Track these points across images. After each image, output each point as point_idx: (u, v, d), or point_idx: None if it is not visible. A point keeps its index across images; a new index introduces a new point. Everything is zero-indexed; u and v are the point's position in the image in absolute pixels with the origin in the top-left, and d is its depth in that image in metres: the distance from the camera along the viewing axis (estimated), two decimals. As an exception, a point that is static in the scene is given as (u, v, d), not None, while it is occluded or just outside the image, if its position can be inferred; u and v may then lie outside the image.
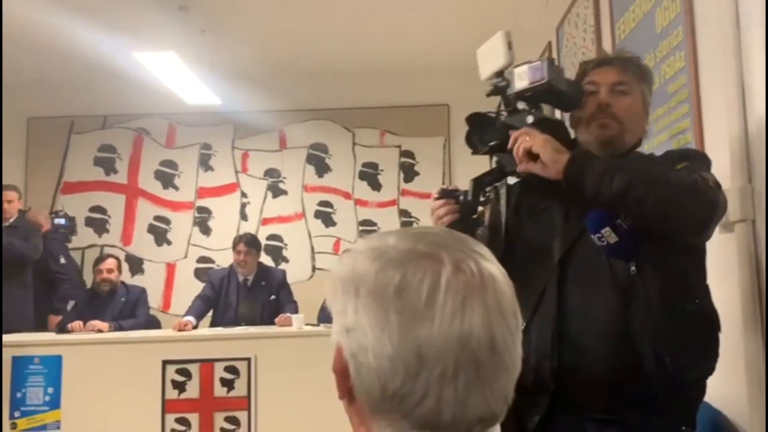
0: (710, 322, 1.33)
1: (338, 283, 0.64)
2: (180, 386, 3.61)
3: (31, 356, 3.63)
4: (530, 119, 1.37)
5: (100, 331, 3.94)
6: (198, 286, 4.69)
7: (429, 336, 0.58)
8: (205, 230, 5.61)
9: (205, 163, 5.67)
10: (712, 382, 1.36)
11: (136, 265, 5.52)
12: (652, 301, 1.28)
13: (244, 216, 5.61)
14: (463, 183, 1.48)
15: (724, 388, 1.45)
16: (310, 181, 5.62)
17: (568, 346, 1.32)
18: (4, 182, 4.59)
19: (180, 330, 3.92)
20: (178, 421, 3.59)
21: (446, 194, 1.44)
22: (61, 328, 4.07)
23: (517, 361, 0.63)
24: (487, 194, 1.46)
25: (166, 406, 3.59)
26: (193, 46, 4.27)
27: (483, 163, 1.54)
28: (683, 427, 1.30)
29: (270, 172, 5.64)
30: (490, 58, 1.45)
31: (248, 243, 4.42)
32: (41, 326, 4.46)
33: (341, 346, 0.63)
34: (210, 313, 4.39)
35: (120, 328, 4.05)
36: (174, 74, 4.48)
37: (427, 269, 0.60)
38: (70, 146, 5.64)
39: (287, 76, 5.44)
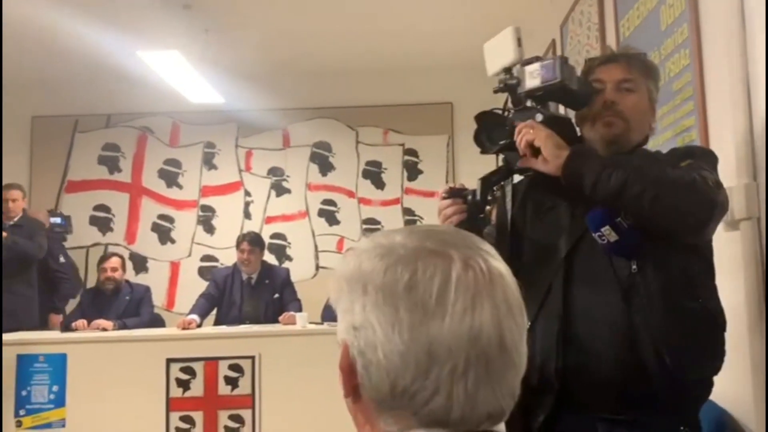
0: (714, 321, 1.32)
1: (344, 282, 0.64)
2: (184, 384, 3.62)
3: (36, 354, 3.64)
4: (539, 117, 1.36)
5: (104, 329, 3.95)
6: (202, 285, 4.70)
7: (440, 333, 0.59)
8: (209, 229, 5.61)
9: (208, 162, 5.67)
10: (716, 381, 1.35)
11: (140, 263, 5.54)
12: (652, 299, 1.27)
13: (247, 214, 5.61)
14: (466, 181, 1.48)
15: (729, 386, 1.44)
16: (314, 179, 5.63)
17: (573, 345, 1.32)
18: (9, 181, 4.61)
19: (184, 328, 3.92)
20: (183, 419, 3.60)
21: (454, 194, 1.42)
22: (66, 327, 4.08)
23: (524, 357, 0.63)
24: (495, 193, 1.45)
25: (171, 405, 3.60)
26: (196, 45, 4.27)
27: (486, 162, 1.53)
28: (681, 427, 1.29)
29: (273, 171, 5.65)
30: (498, 53, 1.43)
31: (252, 241, 4.42)
32: (42, 325, 4.47)
33: (348, 344, 0.63)
34: (214, 312, 4.40)
35: (124, 327, 4.05)
36: (178, 73, 4.49)
37: (437, 266, 0.60)
38: (74, 145, 5.66)
39: (291, 74, 5.44)
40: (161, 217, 5.62)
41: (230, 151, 5.67)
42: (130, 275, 5.01)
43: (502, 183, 1.46)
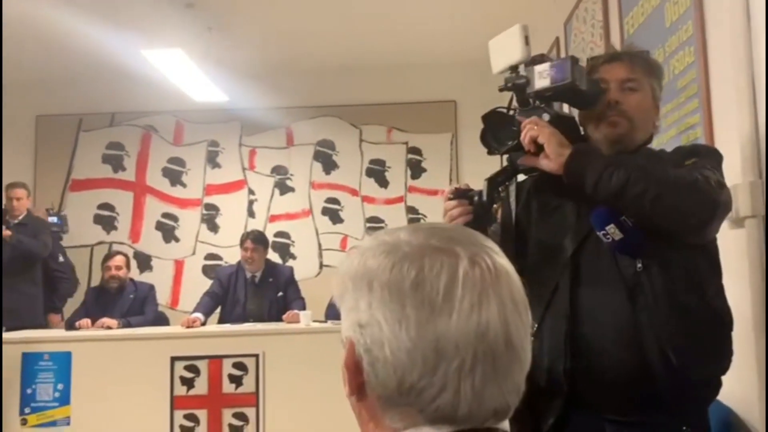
0: (720, 320, 1.31)
1: (348, 279, 0.64)
2: (188, 383, 3.62)
3: (41, 353, 3.65)
4: (546, 117, 1.35)
5: (109, 327, 3.96)
6: (206, 283, 4.71)
7: (447, 329, 0.59)
8: (213, 227, 5.62)
9: (212, 161, 5.68)
10: (722, 380, 1.35)
11: (144, 262, 5.55)
12: (657, 298, 1.27)
13: (251, 213, 5.62)
14: (470, 179, 1.47)
15: (734, 385, 1.43)
16: (317, 178, 5.63)
17: (581, 346, 1.31)
18: (13, 180, 4.62)
19: (188, 327, 3.93)
20: (187, 417, 3.60)
21: (460, 194, 1.40)
22: (70, 326, 4.09)
23: (529, 354, 0.64)
24: (501, 194, 1.43)
25: (175, 403, 3.61)
26: (200, 43, 4.28)
27: (490, 160, 1.53)
28: (684, 427, 1.28)
29: (277, 169, 5.65)
30: (504, 51, 1.42)
31: (255, 240, 4.42)
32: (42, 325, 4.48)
33: (354, 342, 0.63)
34: (218, 310, 4.40)
35: (128, 325, 4.06)
36: (181, 71, 4.49)
37: (444, 263, 0.61)
38: (79, 144, 5.67)
39: (294, 72, 5.44)
40: (165, 215, 5.63)
41: (234, 150, 5.68)
42: (135, 274, 5.02)
43: (507, 183, 1.45)
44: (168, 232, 5.62)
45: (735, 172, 1.66)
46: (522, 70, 1.40)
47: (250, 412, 3.61)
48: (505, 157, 1.44)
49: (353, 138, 5.63)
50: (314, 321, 3.91)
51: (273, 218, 5.60)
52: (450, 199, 1.41)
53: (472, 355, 0.59)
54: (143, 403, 3.59)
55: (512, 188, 1.46)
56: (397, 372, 0.60)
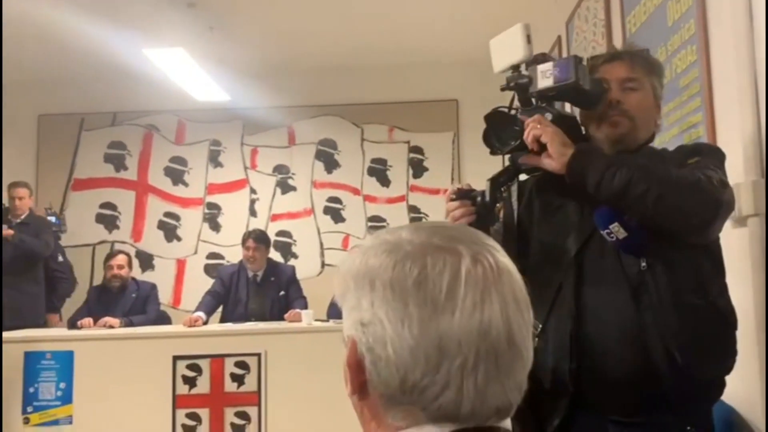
0: (724, 320, 1.31)
1: (350, 278, 0.65)
2: (190, 381, 3.63)
3: (43, 352, 3.66)
4: (549, 116, 1.35)
5: (111, 327, 3.96)
6: (208, 282, 4.71)
7: (450, 327, 0.59)
8: (215, 226, 5.63)
9: (214, 160, 5.68)
10: (726, 379, 1.34)
11: (146, 261, 5.55)
12: (661, 297, 1.26)
13: (253, 212, 5.62)
14: (472, 178, 1.47)
15: (737, 384, 1.43)
16: (319, 177, 5.63)
17: (585, 346, 1.31)
18: (15, 179, 4.63)
19: (190, 326, 3.94)
20: (189, 416, 3.61)
21: (462, 195, 1.40)
22: (72, 325, 4.09)
23: (531, 352, 0.64)
24: (503, 193, 1.43)
25: (177, 402, 3.61)
26: (201, 42, 4.28)
27: (492, 159, 1.52)
28: (688, 427, 1.27)
29: (279, 168, 5.65)
30: (505, 50, 1.41)
31: (257, 239, 4.43)
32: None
33: (356, 340, 0.63)
34: (220, 309, 4.41)
35: (130, 324, 4.07)
36: (183, 71, 4.50)
37: (447, 261, 0.61)
38: (81, 143, 5.68)
39: (296, 71, 5.44)
40: (167, 214, 5.63)
41: (236, 149, 5.68)
42: (137, 273, 5.02)
43: (509, 182, 1.44)
44: (170, 232, 5.62)
45: (737, 171, 1.65)
46: (524, 69, 1.39)
47: (252, 411, 3.62)
48: (507, 156, 1.43)
49: (355, 137, 5.63)
50: (316, 320, 3.91)
51: (275, 217, 5.60)
52: (452, 199, 1.40)
53: (475, 353, 0.59)
54: (145, 402, 3.60)
55: (514, 188, 1.45)
56: (400, 370, 0.60)
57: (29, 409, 3.60)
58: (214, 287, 4.42)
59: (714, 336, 1.29)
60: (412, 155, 5.60)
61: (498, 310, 0.60)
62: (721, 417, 1.56)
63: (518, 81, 1.39)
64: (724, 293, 1.33)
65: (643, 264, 1.29)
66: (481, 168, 1.47)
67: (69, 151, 5.65)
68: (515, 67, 1.40)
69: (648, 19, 2.47)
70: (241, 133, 5.68)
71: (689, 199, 1.22)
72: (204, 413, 3.61)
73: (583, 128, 1.45)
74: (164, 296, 5.05)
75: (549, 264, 1.39)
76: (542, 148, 1.31)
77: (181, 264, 5.59)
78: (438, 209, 5.37)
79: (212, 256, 5.56)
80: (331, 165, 5.64)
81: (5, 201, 4.51)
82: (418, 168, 5.59)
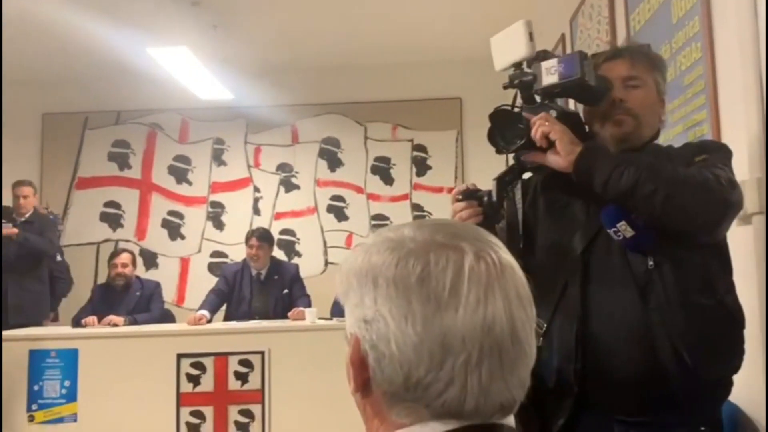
0: (732, 318, 1.29)
1: (352, 276, 0.65)
2: (194, 379, 3.64)
3: (48, 350, 3.67)
4: (553, 114, 1.33)
5: (115, 325, 3.97)
6: (212, 281, 4.72)
7: (453, 324, 0.59)
8: (219, 225, 5.64)
9: (217, 158, 5.69)
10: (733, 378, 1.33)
11: (150, 259, 5.56)
12: (669, 296, 1.25)
13: (256, 210, 5.63)
14: (475, 176, 1.47)
15: (742, 383, 1.42)
16: (323, 175, 5.63)
17: (591, 345, 1.30)
18: (20, 178, 4.64)
19: (194, 324, 3.94)
20: (193, 414, 3.62)
21: (469, 195, 1.38)
22: (76, 323, 4.11)
23: (534, 349, 0.64)
24: (509, 192, 1.41)
25: (181, 399, 3.62)
26: (205, 41, 4.28)
27: (495, 157, 1.52)
28: (702, 428, 1.27)
29: (282, 167, 5.66)
30: (507, 48, 1.40)
31: (261, 237, 4.43)
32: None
33: (359, 338, 0.63)
34: (224, 307, 4.42)
35: (135, 322, 4.08)
36: (187, 69, 4.51)
37: (450, 258, 0.61)
38: (85, 142, 5.69)
39: (299, 70, 5.44)
40: (171, 213, 5.64)
41: (239, 148, 5.69)
42: (141, 271, 5.04)
43: (515, 181, 1.43)
44: (174, 230, 5.63)
45: (742, 169, 1.65)
46: (526, 66, 1.38)
47: (255, 408, 3.62)
48: (512, 155, 1.42)
49: (358, 135, 5.63)
50: (319, 318, 3.92)
51: (278, 216, 5.61)
52: (459, 200, 1.39)
53: (479, 349, 0.59)
54: (150, 400, 3.61)
55: (518, 186, 1.44)
56: (404, 367, 0.60)
57: (34, 406, 3.62)
58: (218, 285, 4.43)
59: (722, 335, 1.28)
60: (415, 153, 5.60)
61: (501, 306, 0.60)
62: (725, 415, 1.56)
63: (522, 78, 1.38)
64: (732, 292, 1.31)
65: (650, 263, 1.27)
66: (485, 166, 1.47)
67: (73, 149, 5.66)
68: (517, 65, 1.39)
69: (652, 16, 2.46)
70: (244, 132, 5.69)
71: (697, 198, 1.21)
72: (208, 411, 3.62)
73: (586, 126, 1.45)
74: (168, 294, 5.06)
75: (554, 263, 1.38)
76: (550, 145, 1.30)
77: (184, 262, 5.60)
78: (442, 207, 5.37)
79: (216, 254, 5.57)
80: (334, 163, 5.64)
81: (9, 200, 4.52)
82: (421, 166, 5.59)
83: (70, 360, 3.65)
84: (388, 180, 5.61)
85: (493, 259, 0.62)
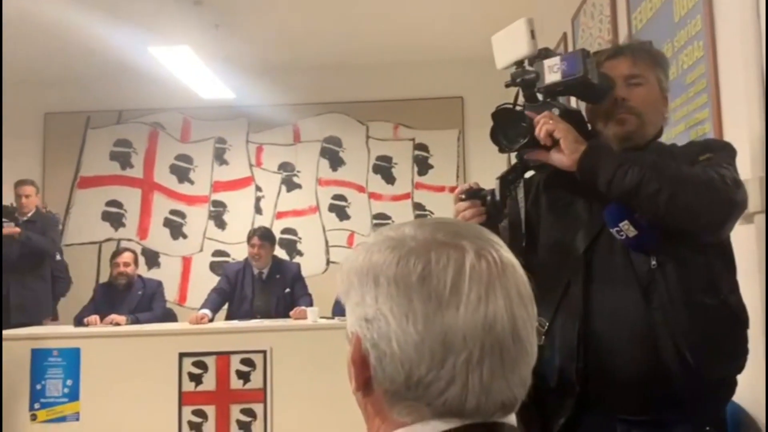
0: (736, 318, 1.29)
1: (353, 275, 0.65)
2: (196, 379, 3.64)
3: (50, 349, 3.68)
4: (556, 112, 1.33)
5: (117, 324, 3.98)
6: (213, 280, 4.73)
7: (454, 322, 0.59)
8: (220, 224, 5.64)
9: (219, 157, 5.69)
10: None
11: (152, 258, 5.57)
12: (672, 296, 1.24)
13: (258, 210, 5.63)
14: (477, 175, 1.46)
15: (744, 382, 1.42)
16: (324, 174, 5.63)
17: (593, 345, 1.29)
18: (22, 177, 4.65)
19: (196, 323, 3.95)
20: (195, 413, 3.62)
21: (472, 195, 1.37)
22: (78, 322, 4.11)
23: (535, 347, 0.64)
24: (511, 192, 1.40)
25: (183, 399, 3.62)
26: (207, 40, 4.28)
27: (497, 156, 1.52)
28: (707, 428, 1.26)
29: (284, 166, 5.66)
30: (508, 46, 1.39)
31: (262, 236, 4.44)
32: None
33: (360, 337, 0.63)
34: (225, 306, 4.42)
35: (137, 321, 4.08)
36: (188, 69, 4.51)
37: (451, 257, 0.61)
38: (87, 141, 5.70)
39: (301, 69, 5.44)
40: (173, 212, 5.65)
41: (241, 147, 5.69)
42: (143, 270, 5.04)
43: (518, 180, 1.42)
44: (176, 229, 5.64)
45: (744, 168, 1.64)
46: (528, 64, 1.37)
47: (257, 407, 3.63)
48: (514, 154, 1.41)
49: (360, 134, 5.63)
50: (321, 317, 3.92)
51: (280, 215, 5.61)
52: (462, 199, 1.38)
53: (480, 347, 0.59)
54: (152, 399, 3.61)
55: (520, 184, 1.43)
56: (405, 366, 0.60)
57: (36, 405, 3.62)
58: (220, 284, 4.43)
59: (725, 335, 1.27)
60: (417, 152, 5.60)
61: (502, 304, 0.60)
62: (728, 415, 1.55)
63: (524, 77, 1.37)
64: (736, 291, 1.31)
65: (653, 262, 1.27)
66: (487, 165, 1.47)
67: (75, 149, 5.67)
68: (519, 63, 1.38)
69: (654, 14, 2.46)
70: (246, 131, 5.69)
71: (702, 198, 1.20)
72: (210, 410, 3.63)
73: (588, 124, 1.44)
74: (170, 293, 5.06)
75: (557, 261, 1.37)
76: (554, 143, 1.29)
77: (186, 261, 5.60)
78: (443, 206, 5.37)
79: (218, 253, 5.57)
80: (336, 162, 5.64)
81: (11, 199, 4.53)
82: (423, 165, 5.59)
83: (72, 359, 3.66)
84: (389, 179, 5.61)
85: (494, 257, 0.62)
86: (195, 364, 3.64)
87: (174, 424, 3.59)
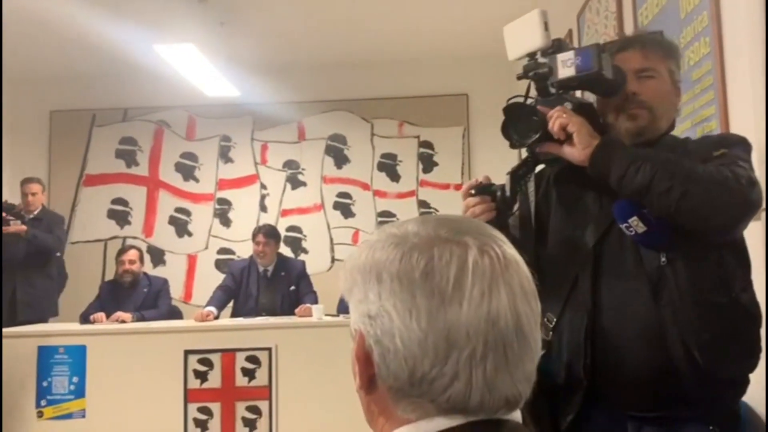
0: (749, 316, 1.26)
1: (356, 272, 0.65)
2: (202, 376, 3.65)
3: (56, 346, 3.69)
4: (569, 106, 1.31)
5: (123, 321, 3.99)
6: (219, 277, 4.74)
7: (458, 318, 0.59)
8: (226, 222, 5.65)
9: (224, 155, 5.70)
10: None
11: (157, 256, 5.58)
12: (682, 293, 1.22)
13: (263, 207, 5.63)
14: (482, 173, 1.44)
15: (752, 380, 1.41)
16: (329, 172, 5.63)
17: (602, 341, 1.27)
18: (28, 175, 4.67)
19: (202, 320, 3.96)
20: (200, 410, 3.63)
21: (482, 190, 1.34)
22: (84, 320, 4.13)
23: (539, 343, 0.64)
24: (522, 187, 1.39)
25: (189, 396, 3.63)
26: (212, 38, 4.28)
27: (502, 153, 1.51)
28: (710, 427, 1.24)
29: (289, 164, 5.66)
30: (521, 37, 1.36)
31: (267, 234, 4.44)
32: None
33: (363, 334, 0.63)
34: (231, 304, 4.43)
35: (142, 319, 4.10)
36: (193, 67, 4.51)
37: (454, 253, 0.61)
38: (92, 139, 5.71)
39: (305, 67, 5.44)
40: (178, 210, 5.66)
41: (246, 145, 5.70)
42: (148, 268, 5.06)
43: (529, 174, 1.40)
44: (181, 227, 5.65)
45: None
46: (539, 57, 1.35)
47: (263, 405, 3.63)
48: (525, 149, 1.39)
49: (365, 132, 5.63)
50: (326, 315, 3.92)
51: (285, 213, 5.62)
52: (471, 195, 1.35)
53: (483, 343, 0.59)
54: (157, 396, 3.62)
55: (531, 179, 1.42)
56: (409, 362, 0.60)
57: (43, 402, 3.64)
58: (225, 282, 4.44)
59: (736, 334, 1.24)
60: (422, 150, 5.59)
61: (506, 300, 0.60)
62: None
63: (537, 70, 1.35)
64: (748, 289, 1.27)
65: (663, 259, 1.25)
66: (492, 162, 1.46)
67: (81, 147, 5.69)
68: (532, 55, 1.36)
69: (660, 11, 2.45)
70: (251, 129, 5.69)
71: (715, 198, 1.18)
72: (215, 407, 3.63)
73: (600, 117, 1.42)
74: (175, 291, 5.08)
75: (566, 255, 1.35)
76: (568, 137, 1.28)
77: (192, 259, 5.61)
78: (448, 204, 5.36)
79: (223, 251, 5.58)
80: (340, 160, 5.64)
81: (17, 196, 4.55)
82: (428, 163, 5.58)
83: (78, 356, 3.67)
84: (394, 177, 5.60)
85: (497, 253, 0.62)
86: (200, 361, 3.65)
87: (180, 421, 3.60)
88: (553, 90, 1.35)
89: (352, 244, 5.50)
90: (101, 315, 4.04)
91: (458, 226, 0.64)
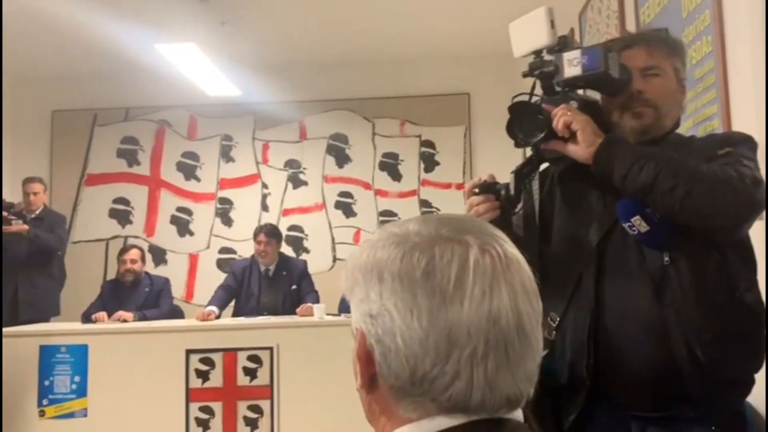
0: (753, 316, 1.25)
1: (357, 272, 0.65)
2: (203, 375, 3.65)
3: (58, 345, 3.69)
4: (574, 105, 1.31)
5: (124, 320, 4.00)
6: (220, 277, 4.74)
7: (459, 317, 0.59)
8: (227, 221, 5.65)
9: (226, 155, 5.70)
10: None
11: (159, 255, 5.59)
12: (685, 293, 1.22)
13: (265, 207, 5.64)
14: (483, 172, 1.43)
15: (756, 380, 1.41)
16: (330, 171, 5.63)
17: (605, 340, 1.27)
18: (29, 174, 4.68)
19: (203, 320, 3.96)
20: (202, 409, 3.63)
21: (486, 189, 1.32)
22: (86, 319, 4.13)
23: (541, 342, 0.63)
24: (526, 185, 1.38)
25: (190, 395, 3.63)
26: (213, 37, 4.29)
27: (503, 153, 1.51)
28: (713, 427, 1.23)
29: (290, 163, 5.66)
30: (527, 34, 1.36)
31: (269, 233, 4.44)
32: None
33: (365, 333, 0.63)
34: (232, 303, 4.43)
35: (144, 318, 4.10)
36: (195, 66, 4.51)
37: (455, 252, 0.61)
38: (94, 138, 5.72)
39: (307, 66, 5.44)
40: (180, 209, 5.66)
41: (247, 144, 5.70)
42: (150, 267, 5.06)
43: (534, 173, 1.39)
44: (182, 226, 5.65)
45: (753, 164, 1.63)
46: (545, 54, 1.34)
47: (264, 404, 3.63)
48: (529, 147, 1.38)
49: (366, 131, 5.62)
50: (328, 314, 3.92)
51: (286, 212, 5.62)
52: (475, 193, 1.34)
53: (484, 342, 0.59)
54: (159, 395, 3.63)
55: (535, 177, 1.41)
56: (410, 361, 0.60)
57: (44, 401, 3.64)
58: (227, 281, 4.44)
59: (739, 334, 1.23)
60: (423, 149, 5.59)
61: (507, 299, 0.60)
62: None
63: (543, 69, 1.34)
64: (753, 289, 1.26)
65: (666, 258, 1.24)
66: (493, 161, 1.45)
67: (82, 146, 5.69)
68: (537, 53, 1.35)
69: (662, 10, 2.44)
70: (252, 128, 5.69)
71: (719, 197, 1.17)
72: (217, 407, 3.64)
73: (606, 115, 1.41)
74: (177, 290, 5.08)
75: (569, 254, 1.34)
76: (572, 135, 1.27)
77: (193, 258, 5.62)
78: (450, 203, 5.36)
79: (224, 250, 5.59)
80: (342, 159, 5.64)
81: (19, 196, 4.56)
82: (429, 162, 5.58)
83: (80, 355, 3.68)
84: (395, 176, 5.60)
85: (498, 252, 0.62)
86: (202, 360, 3.65)
87: (181, 420, 3.61)
88: (558, 88, 1.35)
89: (354, 243, 5.50)
90: (103, 314, 4.05)
91: (459, 225, 0.64)
